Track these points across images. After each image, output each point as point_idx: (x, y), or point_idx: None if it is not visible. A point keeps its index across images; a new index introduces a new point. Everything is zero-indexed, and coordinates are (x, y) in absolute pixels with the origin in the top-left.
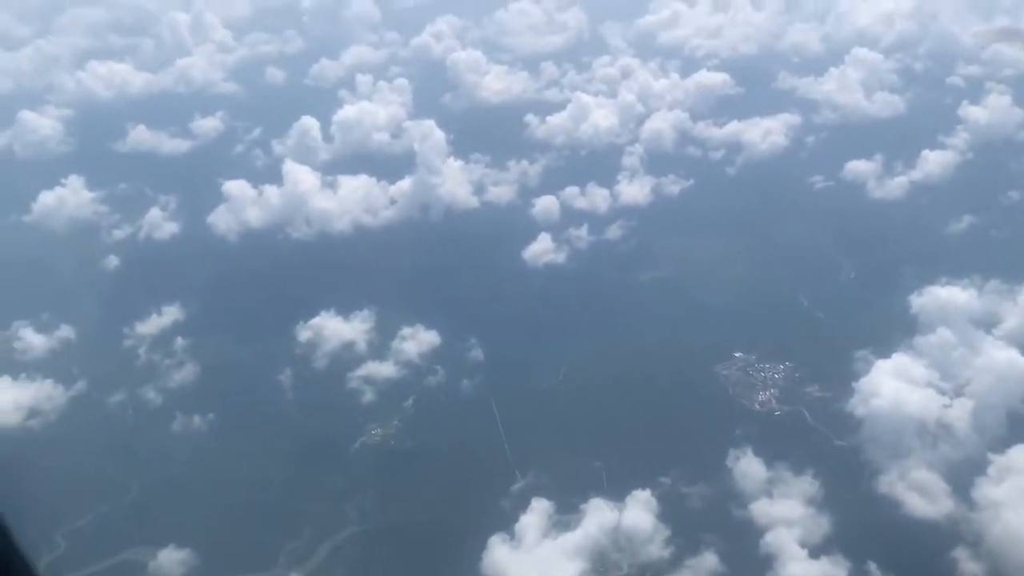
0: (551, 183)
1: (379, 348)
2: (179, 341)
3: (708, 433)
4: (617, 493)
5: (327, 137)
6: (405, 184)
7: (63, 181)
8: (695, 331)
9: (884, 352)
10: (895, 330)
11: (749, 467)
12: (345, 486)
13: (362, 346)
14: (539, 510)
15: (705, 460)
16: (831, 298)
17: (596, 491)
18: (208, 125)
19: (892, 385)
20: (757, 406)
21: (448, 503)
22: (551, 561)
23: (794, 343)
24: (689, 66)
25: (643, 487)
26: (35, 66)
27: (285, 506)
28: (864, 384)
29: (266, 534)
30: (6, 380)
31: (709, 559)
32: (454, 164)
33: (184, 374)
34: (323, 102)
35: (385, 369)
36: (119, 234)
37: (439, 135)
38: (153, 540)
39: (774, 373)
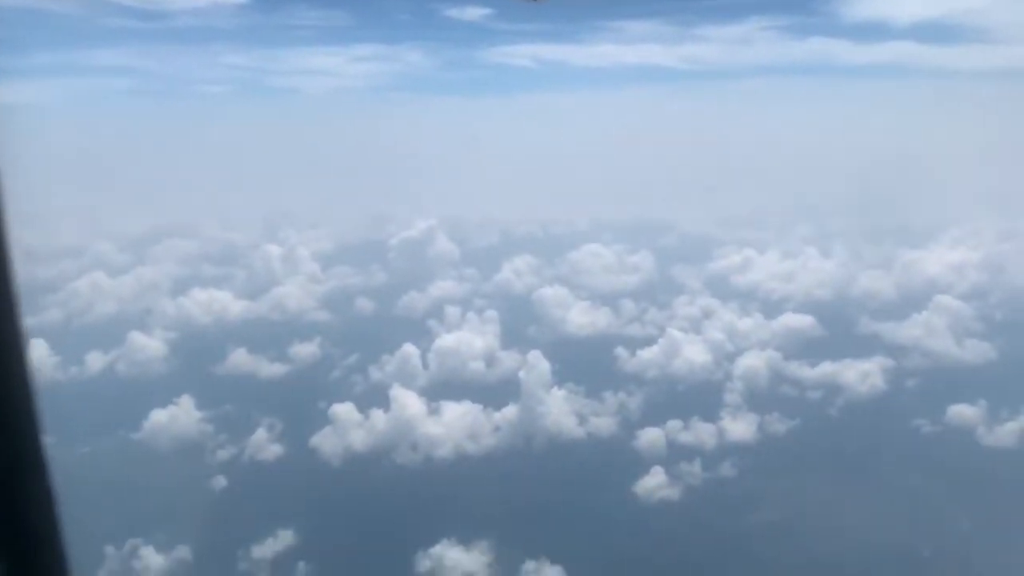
0: (652, 416)
1: None
2: (300, 566)
3: None
4: None
5: (424, 364)
6: (510, 412)
7: (175, 400)
8: None
9: None
10: None
11: None
12: None
13: None
14: None
15: None
16: (953, 551)
17: None
18: (305, 351)
19: None
20: None
21: None
22: None
23: None
24: (768, 308)
25: None
26: (135, 292)
27: None
28: None
29: None
30: None
31: None
32: (558, 393)
33: None
34: (414, 331)
35: None
36: (224, 454)
37: (545, 365)
38: None
39: None
